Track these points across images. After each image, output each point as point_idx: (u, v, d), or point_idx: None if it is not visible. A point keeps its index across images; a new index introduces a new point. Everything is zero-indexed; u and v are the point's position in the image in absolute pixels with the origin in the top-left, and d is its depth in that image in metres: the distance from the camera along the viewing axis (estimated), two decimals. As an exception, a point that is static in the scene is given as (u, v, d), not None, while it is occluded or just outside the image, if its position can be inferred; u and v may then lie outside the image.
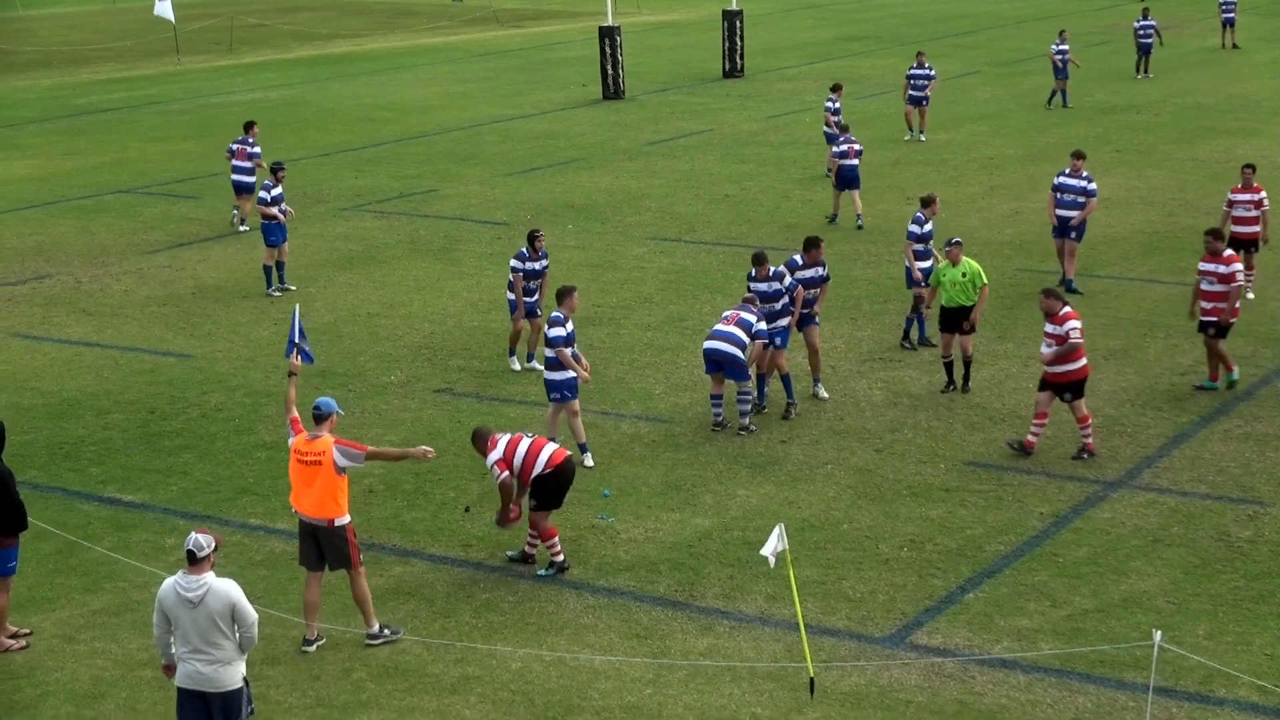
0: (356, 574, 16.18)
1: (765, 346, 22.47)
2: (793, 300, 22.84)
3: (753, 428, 22.15)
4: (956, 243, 23.71)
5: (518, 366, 24.86)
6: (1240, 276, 23.16)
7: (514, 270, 24.56)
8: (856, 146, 34.63)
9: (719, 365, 22.03)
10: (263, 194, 30.00)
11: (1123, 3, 79.15)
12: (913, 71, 44.49)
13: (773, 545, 15.31)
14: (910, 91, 44.43)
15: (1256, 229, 27.35)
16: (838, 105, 39.37)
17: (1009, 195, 36.57)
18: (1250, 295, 27.39)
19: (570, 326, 21.07)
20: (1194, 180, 37.31)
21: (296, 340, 18.02)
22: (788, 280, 22.77)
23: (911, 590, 17.40)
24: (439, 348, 26.21)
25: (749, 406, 22.17)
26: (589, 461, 20.91)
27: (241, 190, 35.10)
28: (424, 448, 16.67)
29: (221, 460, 21.74)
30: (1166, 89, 52.55)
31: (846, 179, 34.54)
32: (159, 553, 18.74)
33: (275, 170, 30.87)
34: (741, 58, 58.96)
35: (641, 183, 39.55)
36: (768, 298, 22.70)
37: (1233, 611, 16.72)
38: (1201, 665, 15.41)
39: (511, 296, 24.72)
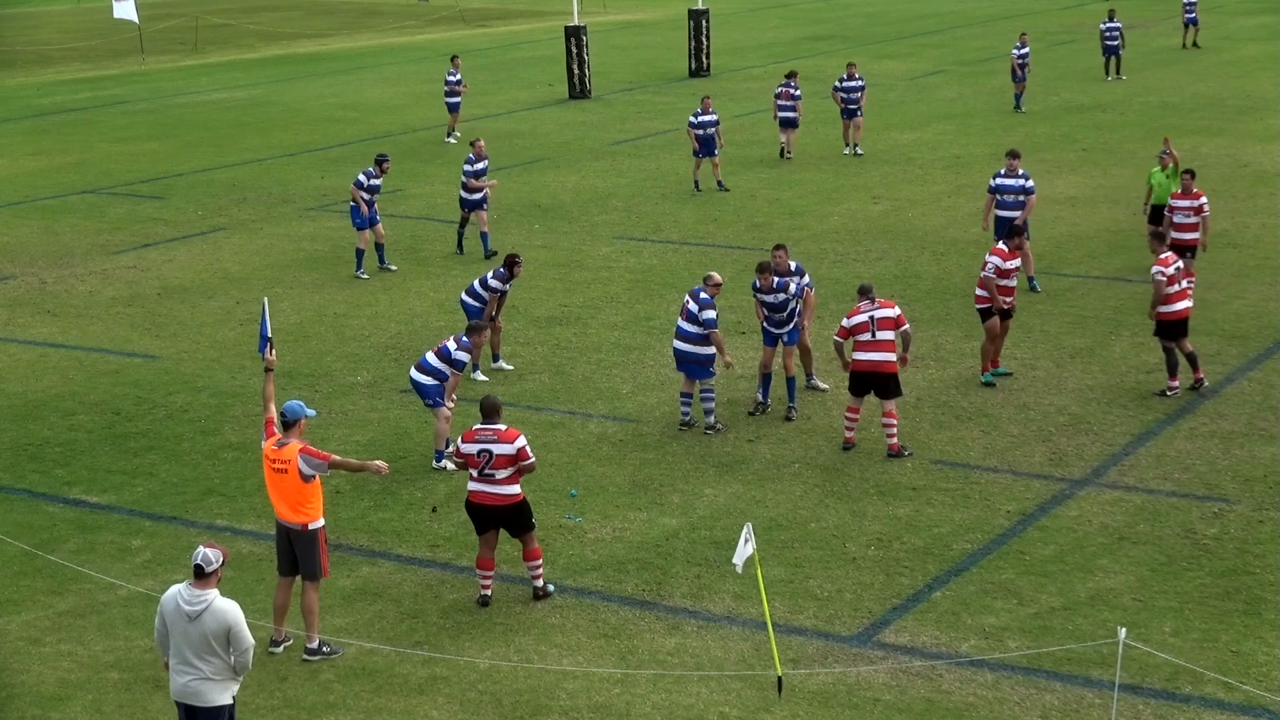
0: (313, 584, 16.10)
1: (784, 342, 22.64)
2: (804, 302, 22.76)
3: (720, 427, 22.16)
4: (1167, 153, 29.72)
5: (483, 377, 24.68)
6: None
7: (494, 290, 24.42)
8: (714, 117, 37.87)
9: (683, 363, 22.06)
10: (360, 178, 31.01)
11: (1088, 2, 79.41)
12: (844, 84, 42.35)
13: (742, 551, 15.35)
14: (844, 105, 42.43)
15: (1196, 235, 27.46)
16: (799, 91, 41.73)
17: (975, 194, 36.60)
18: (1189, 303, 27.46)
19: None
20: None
21: (268, 335, 17.91)
22: (793, 287, 22.58)
23: (879, 589, 17.43)
24: (405, 348, 26.16)
25: (713, 404, 22.17)
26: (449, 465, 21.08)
27: (451, 110, 46.26)
28: (380, 463, 16.58)
29: (188, 461, 21.67)
30: (1131, 88, 52.76)
31: (707, 146, 37.86)
32: (125, 554, 18.68)
33: (380, 161, 31.34)
34: (707, 57, 59.01)
35: (608, 182, 39.55)
36: (775, 308, 22.60)
37: (1198, 609, 16.79)
38: (1168, 662, 15.47)
39: (468, 300, 24.55)
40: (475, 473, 17.00)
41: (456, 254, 32.46)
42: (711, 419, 22.14)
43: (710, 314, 21.83)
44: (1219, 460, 20.79)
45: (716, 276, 22.34)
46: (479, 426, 17.13)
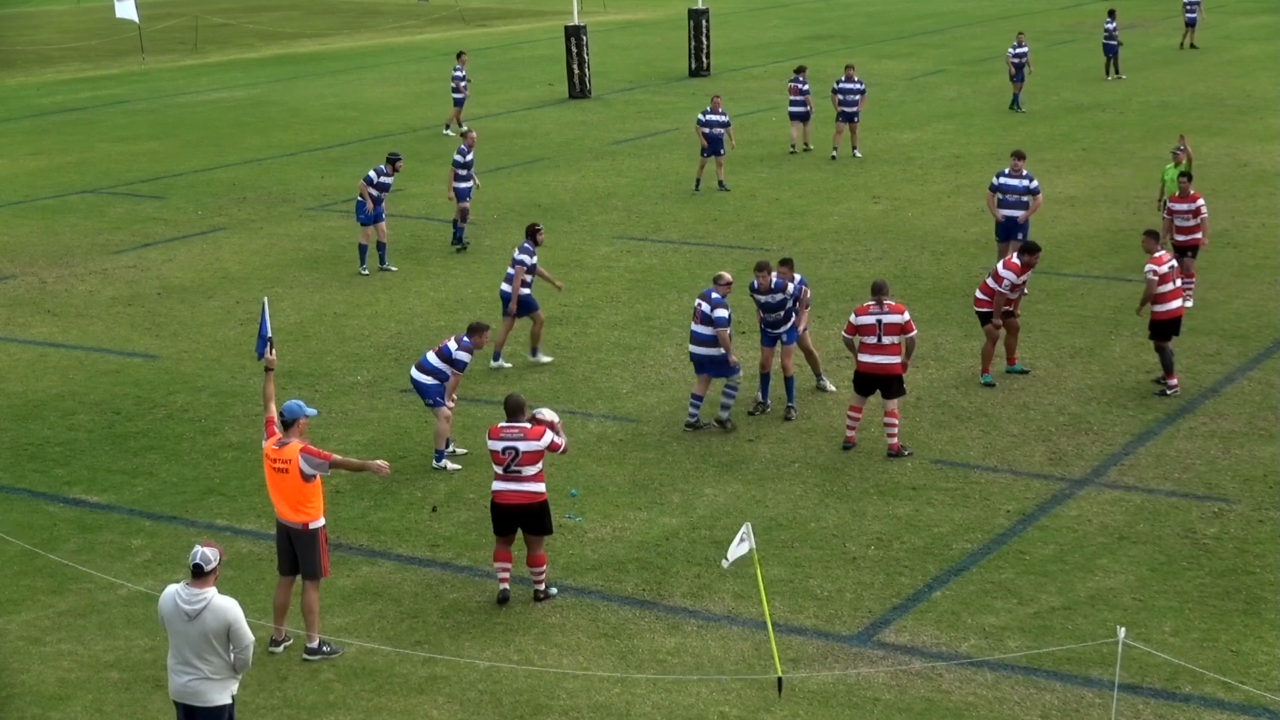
0: (313, 584, 16.09)
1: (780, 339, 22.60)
2: (797, 304, 22.69)
3: (729, 425, 22.09)
4: (1181, 149, 30.46)
5: (507, 365, 24.80)
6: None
7: (521, 264, 24.50)
8: (724, 118, 37.69)
9: (702, 366, 22.04)
10: (370, 174, 31.35)
11: (1087, 2, 79.41)
12: (841, 85, 41.90)
13: (735, 549, 15.33)
14: (841, 108, 41.99)
15: (1197, 236, 27.52)
16: (807, 86, 42.42)
17: (975, 194, 36.61)
18: (1189, 303, 27.30)
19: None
20: (1159, 178, 37.28)
21: (268, 335, 17.89)
22: (790, 287, 22.56)
23: (879, 588, 17.43)
24: (405, 347, 26.16)
25: (732, 402, 22.11)
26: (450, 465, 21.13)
27: (456, 105, 47.05)
28: (381, 463, 16.57)
29: (188, 461, 21.67)
30: (1131, 88, 52.76)
31: (714, 145, 37.84)
32: (125, 554, 18.68)
33: (393, 160, 31.68)
34: (707, 56, 59.01)
35: (608, 181, 39.55)
36: (771, 308, 22.58)
37: (1198, 608, 16.79)
38: (1167, 662, 15.47)
39: (507, 288, 24.65)
40: (501, 470, 16.98)
41: (456, 254, 32.46)
42: (725, 414, 22.10)
43: (722, 313, 21.77)
44: (1219, 460, 20.79)
45: (727, 275, 22.32)
46: (504, 424, 17.11)
